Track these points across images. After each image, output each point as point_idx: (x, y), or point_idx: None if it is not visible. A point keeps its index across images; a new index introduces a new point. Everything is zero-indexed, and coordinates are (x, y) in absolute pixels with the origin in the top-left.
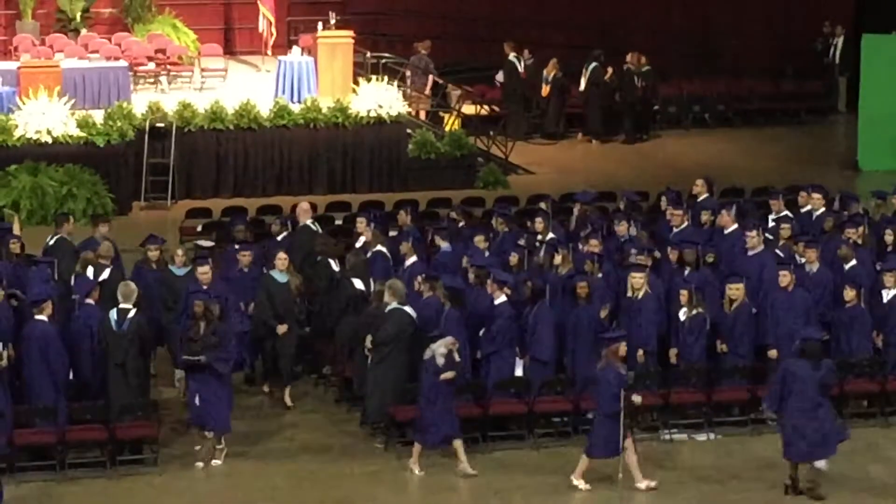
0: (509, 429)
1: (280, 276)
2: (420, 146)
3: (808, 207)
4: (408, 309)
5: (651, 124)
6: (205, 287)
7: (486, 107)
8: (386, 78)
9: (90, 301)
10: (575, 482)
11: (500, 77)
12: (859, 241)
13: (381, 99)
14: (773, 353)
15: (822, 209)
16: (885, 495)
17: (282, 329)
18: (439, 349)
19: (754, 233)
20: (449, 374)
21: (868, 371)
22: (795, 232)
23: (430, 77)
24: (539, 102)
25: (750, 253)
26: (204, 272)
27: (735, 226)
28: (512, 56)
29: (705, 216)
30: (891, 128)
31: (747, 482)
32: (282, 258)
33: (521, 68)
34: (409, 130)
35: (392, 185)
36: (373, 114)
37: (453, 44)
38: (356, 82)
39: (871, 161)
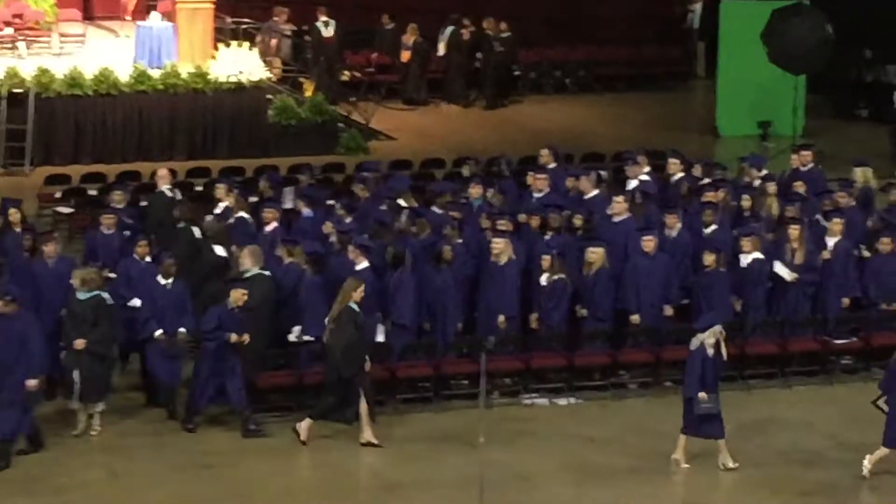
0: None
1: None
2: (280, 112)
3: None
4: (268, 274)
5: (511, 90)
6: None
7: (349, 73)
8: (247, 43)
9: None
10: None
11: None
12: (719, 206)
13: (241, 64)
14: (634, 318)
15: (681, 174)
16: (741, 462)
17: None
18: None
19: (620, 198)
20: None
21: (727, 336)
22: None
23: (276, 41)
24: (399, 68)
25: (616, 219)
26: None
27: (596, 191)
28: (320, 21)
29: (571, 182)
30: (749, 93)
31: (606, 446)
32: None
33: (326, 34)
34: (269, 96)
35: (252, 150)
36: (233, 79)
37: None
38: (216, 48)
39: (729, 126)
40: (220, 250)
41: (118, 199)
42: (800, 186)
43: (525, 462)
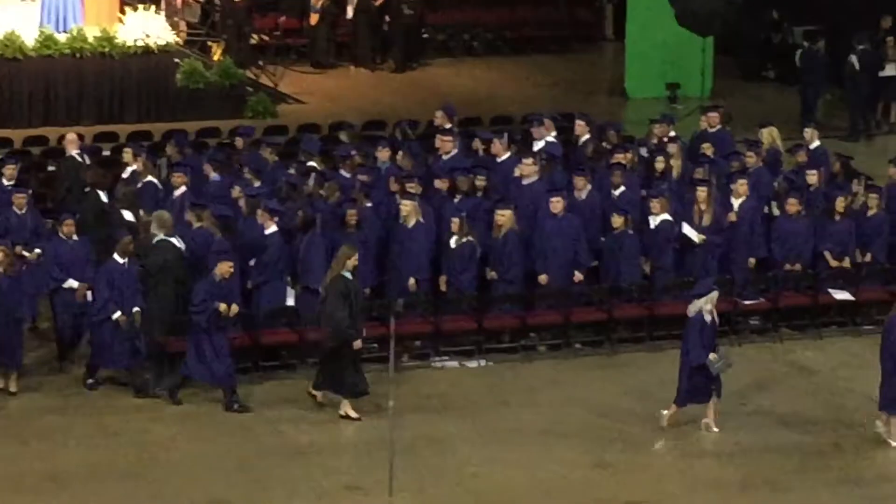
0: (281, 358)
1: None
2: (188, 76)
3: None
4: (174, 240)
5: (420, 53)
6: None
7: (258, 36)
8: (153, 7)
9: None
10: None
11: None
12: (628, 167)
13: (148, 28)
14: (543, 278)
15: (587, 136)
16: (649, 423)
17: None
18: None
19: (529, 160)
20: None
21: (637, 296)
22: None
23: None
24: (307, 31)
25: (525, 181)
26: None
27: (508, 154)
28: None
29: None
30: (657, 55)
31: (517, 408)
32: None
33: None
34: (177, 60)
35: (160, 115)
36: (140, 43)
37: None
38: (123, 12)
39: (638, 88)
40: (128, 215)
41: (9, 173)
42: (708, 148)
43: (436, 425)
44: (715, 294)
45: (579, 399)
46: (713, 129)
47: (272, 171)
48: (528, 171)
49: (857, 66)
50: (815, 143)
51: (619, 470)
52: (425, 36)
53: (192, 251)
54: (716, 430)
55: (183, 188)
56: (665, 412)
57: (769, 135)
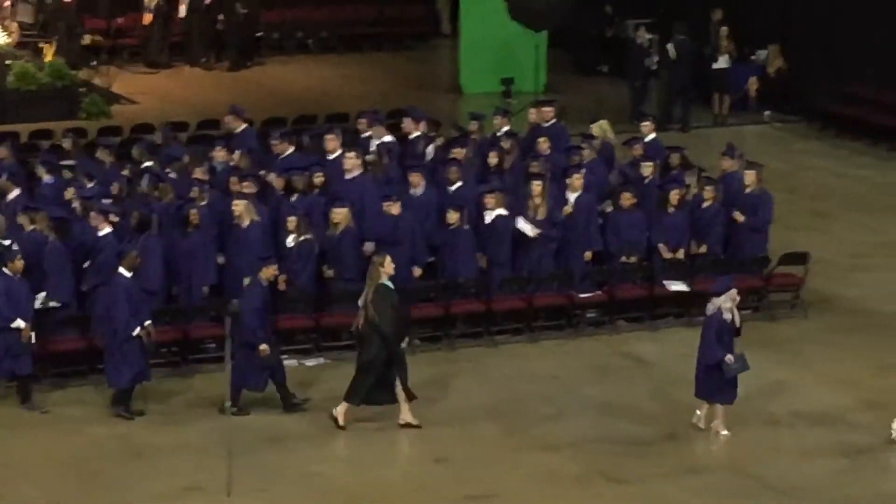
0: None
1: None
2: (20, 78)
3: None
4: (6, 242)
5: (254, 51)
6: None
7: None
8: None
9: None
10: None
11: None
12: (464, 163)
13: None
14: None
15: (419, 133)
16: (489, 418)
17: None
18: None
19: (352, 154)
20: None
21: (474, 292)
22: (397, 156)
23: (10, 3)
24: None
25: (348, 176)
26: None
27: (340, 150)
28: None
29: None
30: (491, 50)
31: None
32: None
33: None
34: (8, 62)
35: None
36: None
37: None
38: None
39: (473, 84)
40: None
41: None
42: (544, 142)
43: (274, 424)
44: (734, 292)
45: (419, 395)
46: (547, 124)
47: (107, 172)
48: (351, 164)
49: (672, 54)
50: (651, 136)
51: (457, 464)
52: (259, 35)
53: (26, 254)
54: (725, 432)
55: (16, 191)
56: (698, 412)
57: (600, 128)
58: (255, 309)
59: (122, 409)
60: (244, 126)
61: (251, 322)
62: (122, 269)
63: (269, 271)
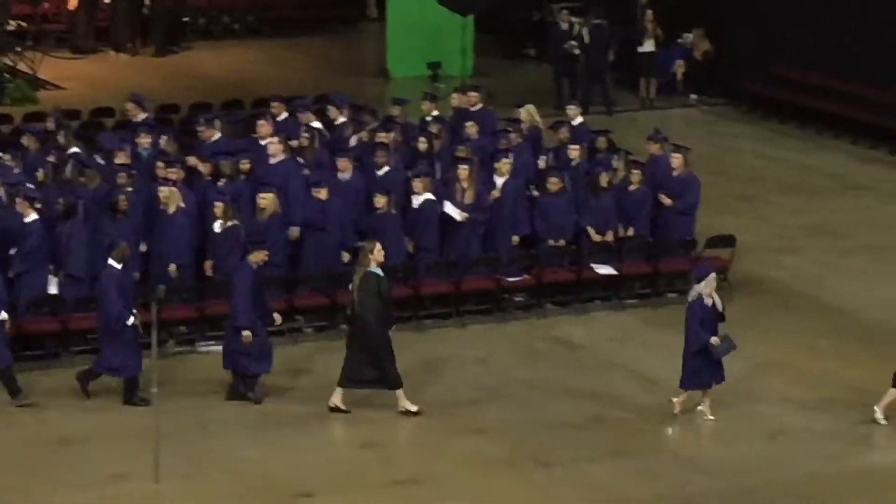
0: (43, 347)
1: None
2: None
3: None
4: None
5: (181, 36)
6: None
7: (16, 22)
8: None
9: None
10: None
11: None
12: (392, 148)
13: None
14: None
15: (343, 119)
16: (417, 402)
17: None
18: None
19: (275, 140)
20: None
21: (401, 276)
22: (325, 141)
23: None
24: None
25: (272, 161)
26: None
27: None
28: None
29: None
30: (418, 35)
31: (284, 391)
32: None
33: None
34: None
35: None
36: None
37: None
38: None
39: (400, 68)
40: None
41: None
42: (471, 127)
43: (203, 411)
44: (713, 277)
45: (336, 382)
46: (475, 108)
47: (33, 158)
48: (273, 150)
49: (586, 39)
50: (578, 120)
51: (385, 449)
52: (185, 19)
53: None
54: (711, 417)
55: None
56: (676, 399)
57: (526, 112)
58: (243, 293)
59: (136, 398)
60: (144, 115)
61: (237, 305)
62: (111, 261)
63: (258, 255)
